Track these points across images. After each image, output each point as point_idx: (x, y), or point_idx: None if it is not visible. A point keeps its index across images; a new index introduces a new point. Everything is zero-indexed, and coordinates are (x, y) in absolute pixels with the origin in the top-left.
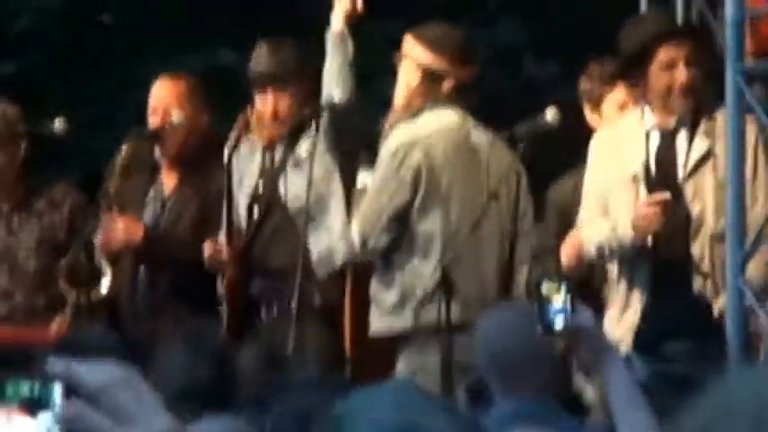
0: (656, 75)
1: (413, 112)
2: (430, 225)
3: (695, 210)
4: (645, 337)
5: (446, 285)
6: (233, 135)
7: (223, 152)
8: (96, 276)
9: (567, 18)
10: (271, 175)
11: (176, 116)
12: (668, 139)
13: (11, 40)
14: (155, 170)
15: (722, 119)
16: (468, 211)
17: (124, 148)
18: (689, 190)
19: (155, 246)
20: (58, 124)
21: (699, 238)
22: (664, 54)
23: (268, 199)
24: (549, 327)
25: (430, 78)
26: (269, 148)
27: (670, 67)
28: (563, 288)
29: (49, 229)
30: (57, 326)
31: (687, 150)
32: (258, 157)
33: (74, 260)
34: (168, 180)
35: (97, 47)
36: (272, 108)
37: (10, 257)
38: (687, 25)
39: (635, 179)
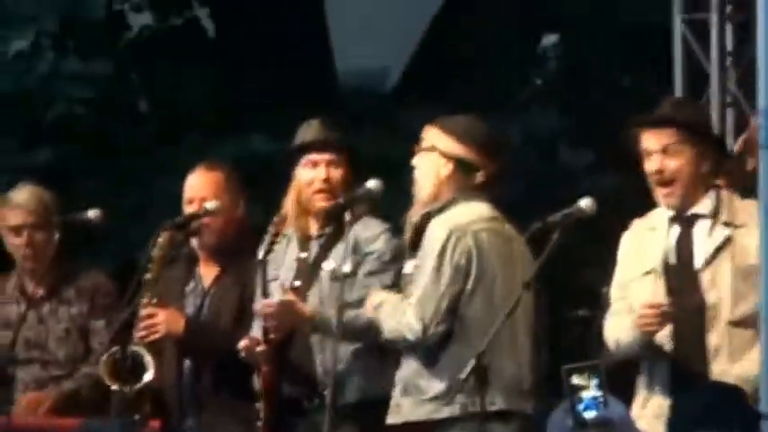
0: (643, 164)
1: (443, 203)
2: (476, 311)
3: (711, 298)
4: (676, 426)
5: (480, 373)
6: (269, 233)
7: (259, 242)
8: (138, 367)
9: (602, 107)
10: (308, 273)
11: (211, 205)
12: (686, 227)
13: (46, 127)
14: (192, 261)
15: (745, 206)
16: (508, 298)
17: (161, 239)
18: (706, 278)
19: (196, 337)
20: (92, 214)
21: (715, 325)
22: (643, 143)
23: (301, 290)
24: (580, 418)
25: (462, 170)
26: (305, 243)
27: (648, 156)
28: (594, 380)
29: (78, 318)
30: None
31: (707, 238)
32: (294, 250)
33: (113, 353)
34: (207, 271)
35: (132, 135)
36: (324, 175)
37: (40, 347)
38: (677, 111)
39: (654, 272)
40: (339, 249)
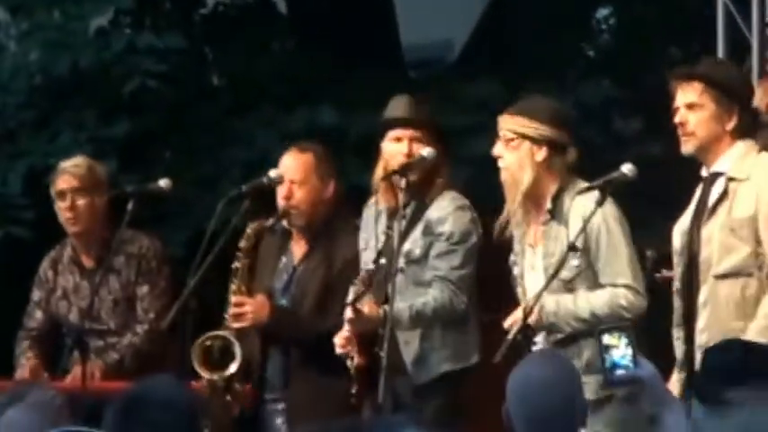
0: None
1: (556, 193)
2: None
3: (704, 253)
4: (705, 386)
5: None
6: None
7: (350, 219)
8: (226, 355)
9: (652, 77)
10: (392, 248)
11: (274, 174)
12: (707, 185)
13: (123, 101)
14: (285, 237)
15: (759, 160)
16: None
17: (249, 231)
18: (704, 234)
19: (279, 326)
20: (163, 183)
21: (705, 280)
22: (676, 97)
23: (384, 268)
24: (609, 377)
25: (556, 151)
26: (392, 216)
27: (677, 110)
28: (624, 340)
29: (127, 286)
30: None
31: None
32: (383, 222)
33: (205, 340)
34: (297, 248)
35: (205, 107)
36: (407, 150)
37: (94, 317)
38: (707, 68)
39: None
40: (419, 229)
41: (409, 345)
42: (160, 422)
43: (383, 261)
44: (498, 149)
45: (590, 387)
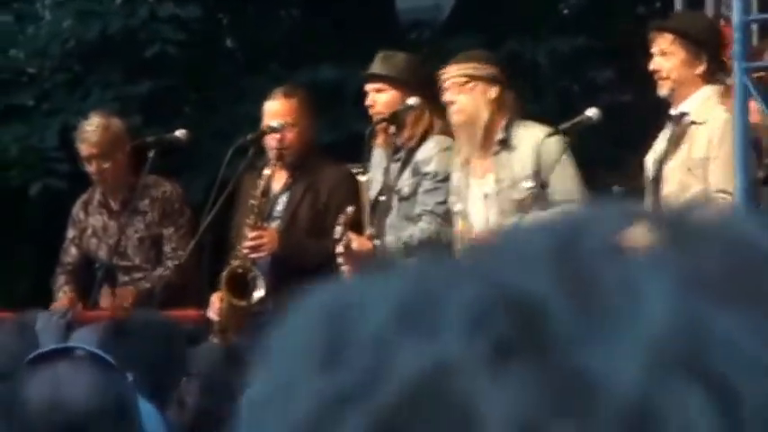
0: None
1: (506, 125)
2: None
3: (664, 190)
4: None
5: None
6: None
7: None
8: (251, 284)
9: (620, 31)
10: (389, 188)
11: (275, 123)
12: (674, 125)
13: (144, 63)
14: (270, 178)
15: (719, 104)
16: None
17: (265, 173)
18: (665, 171)
19: (287, 252)
20: (180, 133)
21: None
22: (652, 44)
23: (384, 204)
24: None
25: (503, 88)
26: (389, 159)
27: (653, 57)
28: None
29: (152, 226)
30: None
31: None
32: (383, 164)
33: (234, 268)
34: (278, 180)
35: (221, 67)
36: (371, 102)
37: (121, 254)
38: (676, 20)
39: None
40: (408, 170)
41: None
42: (140, 338)
43: (383, 198)
44: (450, 95)
45: None
